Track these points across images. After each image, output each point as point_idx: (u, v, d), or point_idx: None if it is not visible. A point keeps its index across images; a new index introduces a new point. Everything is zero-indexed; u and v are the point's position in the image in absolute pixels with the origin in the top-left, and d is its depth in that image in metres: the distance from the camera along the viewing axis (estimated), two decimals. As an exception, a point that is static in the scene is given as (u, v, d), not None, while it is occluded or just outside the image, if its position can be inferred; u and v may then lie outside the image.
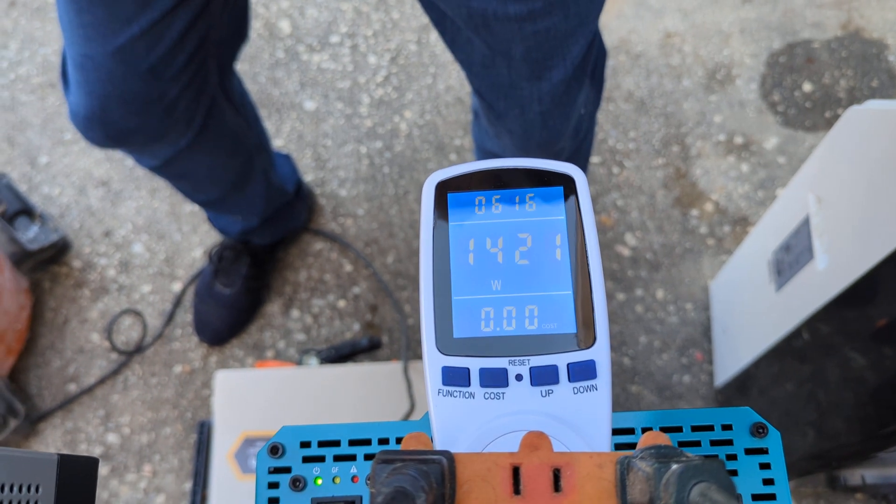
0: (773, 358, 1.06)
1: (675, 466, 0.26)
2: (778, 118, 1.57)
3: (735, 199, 1.49)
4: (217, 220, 1.31)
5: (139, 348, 1.37)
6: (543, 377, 0.34)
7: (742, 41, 1.65)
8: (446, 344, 0.35)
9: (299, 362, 1.23)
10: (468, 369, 0.35)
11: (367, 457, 0.40)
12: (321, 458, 0.40)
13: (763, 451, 0.38)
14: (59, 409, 1.34)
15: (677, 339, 1.38)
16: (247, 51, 1.60)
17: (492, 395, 0.35)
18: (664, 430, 0.40)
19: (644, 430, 0.40)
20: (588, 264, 0.36)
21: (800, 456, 0.97)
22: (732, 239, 1.46)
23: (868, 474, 0.91)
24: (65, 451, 1.31)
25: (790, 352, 1.01)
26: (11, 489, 0.32)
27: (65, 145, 1.54)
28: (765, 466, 0.38)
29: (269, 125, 1.54)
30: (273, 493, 0.39)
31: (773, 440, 0.39)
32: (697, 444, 0.39)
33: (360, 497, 0.39)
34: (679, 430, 0.40)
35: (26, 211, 1.40)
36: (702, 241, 1.46)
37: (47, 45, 1.64)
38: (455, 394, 0.35)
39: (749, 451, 0.39)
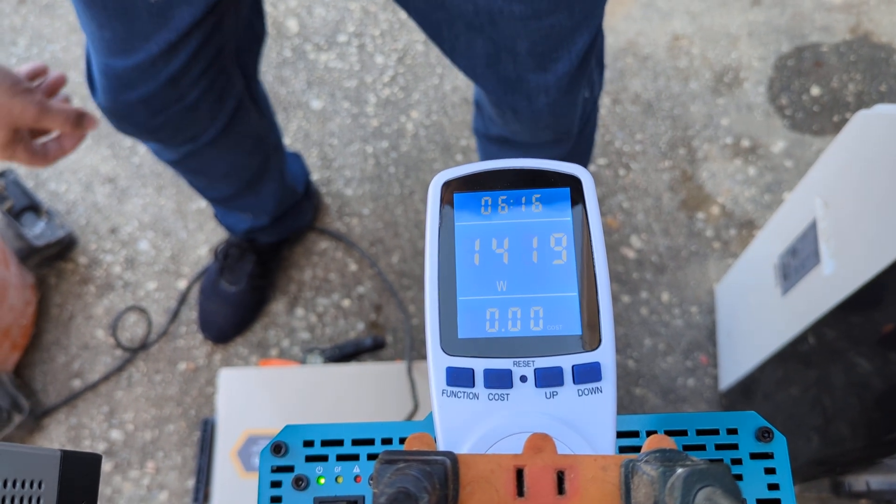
0: (778, 362, 1.06)
1: (680, 470, 0.26)
2: (785, 122, 1.56)
3: (741, 203, 1.49)
4: (225, 217, 1.31)
5: (144, 345, 1.38)
6: (548, 379, 0.34)
7: (750, 44, 1.64)
8: (451, 344, 0.35)
9: (303, 361, 1.23)
10: (472, 370, 0.35)
11: (371, 457, 0.40)
12: (324, 458, 0.40)
13: (768, 456, 0.38)
14: (64, 405, 1.34)
15: (682, 342, 1.38)
16: (254, 49, 1.60)
17: (496, 397, 0.34)
18: (669, 433, 0.39)
19: (649, 434, 0.40)
20: (594, 266, 0.36)
21: (804, 461, 0.97)
22: (738, 242, 1.45)
23: (873, 480, 0.91)
24: (68, 447, 1.32)
25: (795, 356, 1.00)
26: (14, 484, 0.32)
27: (72, 142, 1.55)
28: (770, 471, 0.38)
29: (275, 124, 1.54)
30: (275, 491, 0.39)
31: (779, 445, 0.38)
32: (702, 447, 0.39)
33: (363, 497, 0.39)
34: (684, 433, 0.39)
35: (33, 207, 1.40)
36: (708, 244, 1.46)
37: (56, 42, 1.64)
38: (459, 394, 0.35)
39: (754, 456, 0.38)
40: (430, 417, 0.37)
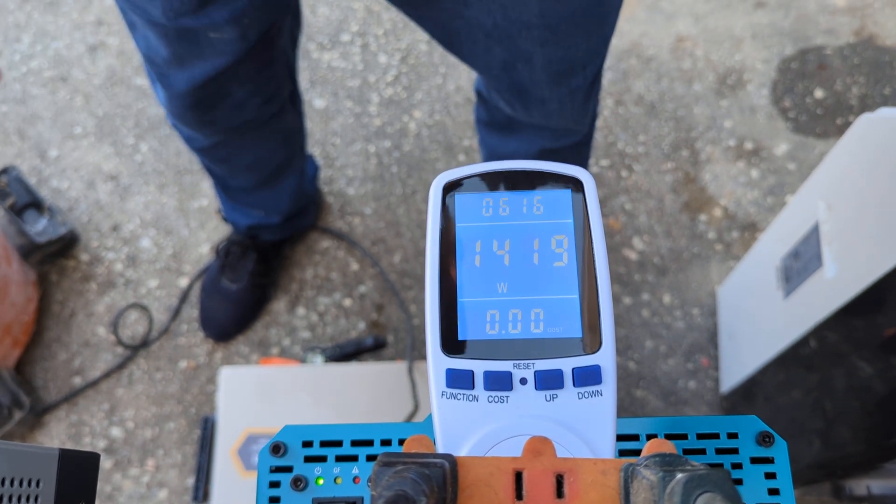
0: (779, 365, 1.06)
1: (679, 475, 0.25)
2: (789, 124, 1.56)
3: (744, 205, 1.48)
4: (232, 211, 1.31)
5: (145, 343, 1.38)
6: (548, 381, 0.34)
7: (754, 46, 1.64)
8: (451, 346, 0.35)
9: (304, 360, 1.23)
10: (472, 372, 0.35)
11: (370, 458, 0.40)
12: (323, 458, 0.40)
13: (769, 461, 0.38)
14: (64, 402, 1.34)
15: (683, 344, 1.38)
16: (257, 48, 1.60)
17: (496, 399, 0.34)
18: (669, 437, 0.39)
19: (649, 437, 0.40)
20: (595, 268, 0.35)
21: (805, 465, 0.97)
22: (741, 245, 1.45)
23: (874, 485, 0.90)
24: (69, 444, 1.32)
25: (797, 359, 1.00)
26: (12, 483, 0.32)
27: (74, 139, 1.55)
28: (770, 476, 0.38)
29: (278, 122, 1.54)
30: (274, 492, 0.39)
31: (780, 450, 0.38)
32: (703, 451, 0.39)
33: (362, 498, 0.39)
34: (684, 437, 0.39)
35: (35, 204, 1.40)
36: (710, 246, 1.45)
37: (59, 39, 1.64)
38: (459, 396, 0.35)
39: (755, 461, 0.38)
40: (429, 419, 0.37)
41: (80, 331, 1.40)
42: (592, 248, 0.36)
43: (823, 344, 0.93)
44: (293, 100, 1.11)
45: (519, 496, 0.30)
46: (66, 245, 1.43)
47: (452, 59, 1.62)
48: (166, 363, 1.38)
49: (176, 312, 1.40)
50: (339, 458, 0.40)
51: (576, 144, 1.05)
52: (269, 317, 1.41)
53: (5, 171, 1.42)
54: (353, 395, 1.12)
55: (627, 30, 1.66)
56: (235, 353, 1.38)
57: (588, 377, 0.34)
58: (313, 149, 1.54)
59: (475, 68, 0.89)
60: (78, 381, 1.36)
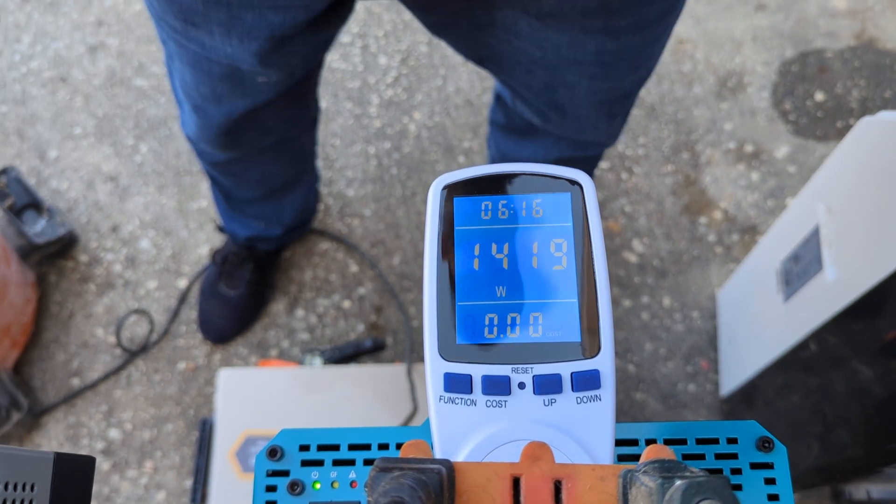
0: (779, 369, 1.06)
1: (678, 482, 0.25)
2: (789, 127, 1.56)
3: (744, 208, 1.48)
4: (230, 221, 1.29)
5: (144, 347, 1.37)
6: (546, 386, 0.34)
7: (754, 49, 1.64)
8: (449, 350, 0.35)
9: (302, 362, 1.23)
10: (470, 376, 0.34)
11: (367, 462, 0.39)
12: (320, 462, 0.39)
13: (768, 466, 0.38)
14: (63, 404, 1.34)
15: (683, 347, 1.38)
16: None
17: (494, 403, 0.34)
18: (668, 442, 0.39)
19: (648, 442, 0.39)
20: (594, 272, 0.35)
21: (804, 469, 0.96)
22: (741, 248, 1.45)
23: (874, 489, 0.90)
24: (67, 446, 1.32)
25: (797, 363, 1.00)
26: (7, 487, 0.31)
27: (74, 140, 1.55)
28: (770, 482, 0.38)
29: (277, 124, 1.54)
30: (271, 496, 0.39)
31: (779, 455, 0.38)
32: (702, 457, 0.39)
33: (359, 502, 0.39)
34: (683, 442, 0.39)
35: (34, 205, 1.40)
36: (710, 249, 1.45)
37: (59, 40, 1.64)
38: (457, 401, 0.34)
39: (754, 466, 0.38)
40: (426, 423, 0.36)
41: (79, 332, 1.40)
42: (592, 252, 0.36)
43: (823, 348, 0.92)
44: (315, 121, 1.11)
45: (516, 502, 0.29)
46: (65, 246, 1.42)
47: (453, 61, 1.62)
48: (165, 365, 1.37)
49: (175, 314, 1.40)
50: (337, 462, 0.39)
51: (595, 156, 1.04)
52: (267, 318, 1.40)
53: (4, 171, 1.42)
54: (352, 397, 1.12)
55: (628, 32, 1.65)
56: (234, 355, 1.38)
57: (587, 382, 0.34)
58: (313, 150, 1.53)
59: (508, 86, 0.88)
60: (76, 382, 1.36)
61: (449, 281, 0.36)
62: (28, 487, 0.32)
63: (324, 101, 1.58)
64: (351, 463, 0.39)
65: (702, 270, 1.43)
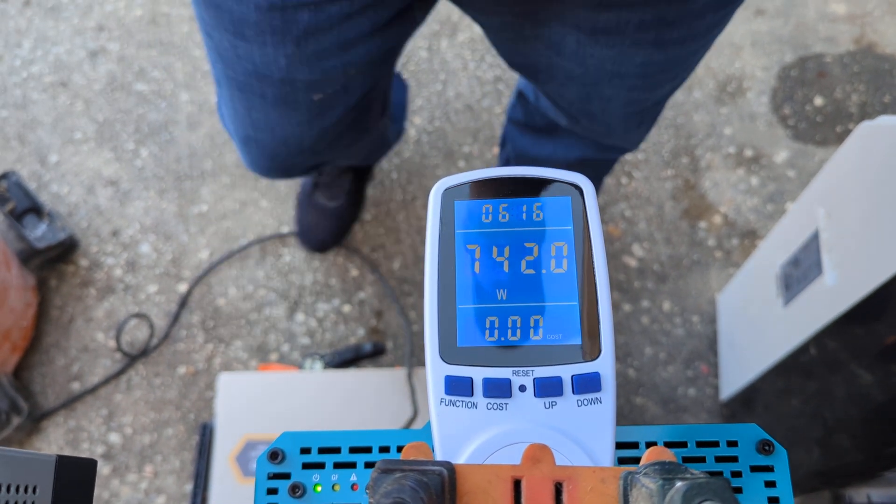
0: (779, 373, 1.06)
1: (679, 484, 0.25)
2: (788, 132, 1.56)
3: (744, 212, 1.48)
4: None
5: (144, 351, 1.37)
6: (547, 389, 0.34)
7: (754, 54, 1.64)
8: (450, 353, 0.35)
9: (302, 366, 1.23)
10: (471, 379, 0.34)
11: (368, 464, 0.40)
12: (321, 465, 0.39)
13: (769, 469, 0.38)
14: (63, 408, 1.34)
15: (683, 351, 1.38)
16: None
17: (495, 406, 0.34)
18: (669, 444, 0.39)
19: (648, 445, 0.39)
20: (595, 275, 0.35)
21: (804, 473, 0.96)
22: (740, 252, 1.45)
23: (874, 494, 0.90)
24: (67, 450, 1.31)
25: (797, 367, 1.00)
26: (9, 489, 0.31)
27: (74, 144, 1.55)
28: (770, 485, 0.38)
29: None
30: (272, 499, 0.39)
31: (780, 458, 0.38)
32: (702, 459, 0.39)
33: (360, 505, 0.39)
34: (684, 445, 0.39)
35: (35, 209, 1.40)
36: (710, 253, 1.45)
37: (60, 45, 1.65)
38: (457, 403, 0.34)
39: (755, 469, 0.38)
40: (428, 426, 0.37)
41: (79, 336, 1.40)
42: (592, 255, 0.36)
43: (823, 352, 0.92)
44: (384, 112, 1.03)
45: (517, 504, 0.29)
46: (66, 250, 1.43)
47: (452, 66, 1.62)
48: (165, 369, 1.37)
49: (175, 318, 1.40)
50: (338, 465, 0.39)
51: (614, 159, 1.03)
52: (267, 323, 1.40)
53: (5, 175, 1.42)
54: (352, 402, 1.12)
55: (627, 37, 1.66)
56: (234, 360, 1.38)
57: (587, 384, 0.34)
58: (313, 155, 1.54)
59: (542, 91, 0.87)
60: (76, 386, 1.36)
61: (450, 284, 0.36)
62: (30, 490, 0.32)
63: (324, 106, 1.58)
64: (352, 466, 0.39)
65: (702, 275, 1.43)
